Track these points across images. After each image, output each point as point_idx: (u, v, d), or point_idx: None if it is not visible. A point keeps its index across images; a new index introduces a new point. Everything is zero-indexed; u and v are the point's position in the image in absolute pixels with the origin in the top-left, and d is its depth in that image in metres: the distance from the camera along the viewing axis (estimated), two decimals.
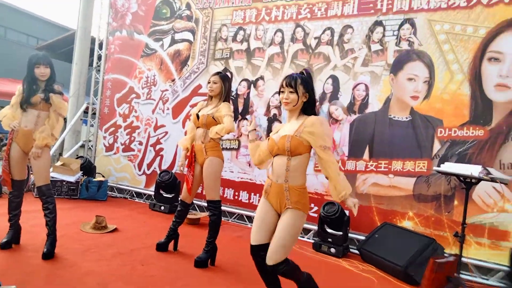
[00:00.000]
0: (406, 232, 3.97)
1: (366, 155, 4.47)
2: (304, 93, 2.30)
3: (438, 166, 3.38)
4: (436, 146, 4.10)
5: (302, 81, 2.30)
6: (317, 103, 2.39)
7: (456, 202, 3.94)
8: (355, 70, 4.63)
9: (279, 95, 2.38)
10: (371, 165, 4.42)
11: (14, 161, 3.20)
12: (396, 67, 4.38)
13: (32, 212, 4.02)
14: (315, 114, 2.37)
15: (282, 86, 2.33)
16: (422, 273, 3.20)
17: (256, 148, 2.56)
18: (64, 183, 5.60)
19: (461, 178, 3.06)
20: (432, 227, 4.03)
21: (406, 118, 4.28)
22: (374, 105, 4.48)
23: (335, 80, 4.75)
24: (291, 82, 2.29)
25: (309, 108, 2.35)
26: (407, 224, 4.17)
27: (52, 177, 5.18)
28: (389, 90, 4.40)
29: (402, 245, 3.73)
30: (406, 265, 3.50)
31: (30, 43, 18.44)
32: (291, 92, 2.28)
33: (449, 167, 3.21)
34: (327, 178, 2.28)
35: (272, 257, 2.23)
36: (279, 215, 2.33)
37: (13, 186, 3.26)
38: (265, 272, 2.37)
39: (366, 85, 4.55)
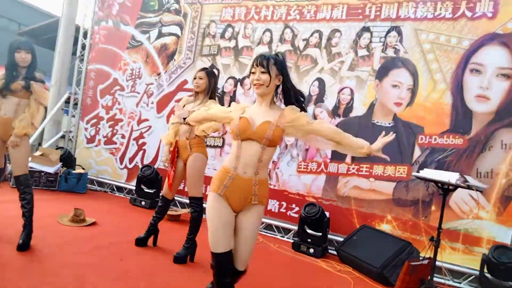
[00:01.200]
0: (384, 235, 4.04)
1: (348, 158, 4.52)
2: (277, 75, 2.01)
3: (418, 172, 3.45)
4: (417, 152, 4.19)
5: (276, 62, 2.01)
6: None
7: (433, 208, 4.03)
8: (341, 74, 4.68)
9: (249, 77, 2.10)
10: (353, 169, 4.48)
11: None
12: (381, 73, 4.45)
13: (8, 203, 3.92)
14: (302, 105, 2.09)
15: (252, 66, 2.02)
16: (397, 275, 3.27)
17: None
18: (42, 174, 5.47)
19: (439, 185, 3.13)
20: (409, 231, 4.12)
21: (389, 123, 4.36)
22: (359, 110, 4.54)
23: (321, 82, 4.79)
24: (262, 61, 1.98)
25: (287, 96, 2.07)
26: (385, 227, 4.25)
27: (31, 167, 5.04)
28: (373, 95, 4.47)
29: (379, 247, 3.80)
30: (382, 267, 3.58)
31: (12, 28, 17.90)
32: (262, 72, 1.98)
33: (428, 173, 3.28)
34: (336, 144, 2.07)
35: (245, 262, 2.08)
36: (233, 212, 2.05)
37: None
38: (226, 277, 2.04)
39: (351, 89, 4.61)
